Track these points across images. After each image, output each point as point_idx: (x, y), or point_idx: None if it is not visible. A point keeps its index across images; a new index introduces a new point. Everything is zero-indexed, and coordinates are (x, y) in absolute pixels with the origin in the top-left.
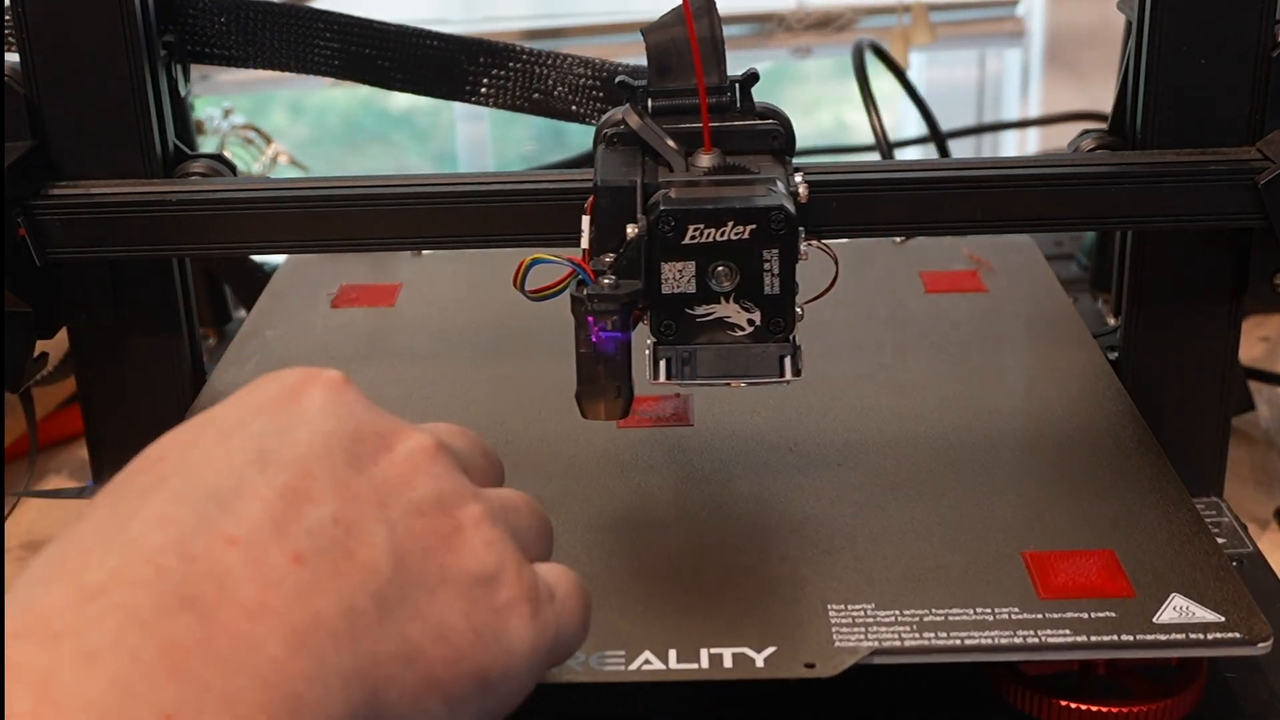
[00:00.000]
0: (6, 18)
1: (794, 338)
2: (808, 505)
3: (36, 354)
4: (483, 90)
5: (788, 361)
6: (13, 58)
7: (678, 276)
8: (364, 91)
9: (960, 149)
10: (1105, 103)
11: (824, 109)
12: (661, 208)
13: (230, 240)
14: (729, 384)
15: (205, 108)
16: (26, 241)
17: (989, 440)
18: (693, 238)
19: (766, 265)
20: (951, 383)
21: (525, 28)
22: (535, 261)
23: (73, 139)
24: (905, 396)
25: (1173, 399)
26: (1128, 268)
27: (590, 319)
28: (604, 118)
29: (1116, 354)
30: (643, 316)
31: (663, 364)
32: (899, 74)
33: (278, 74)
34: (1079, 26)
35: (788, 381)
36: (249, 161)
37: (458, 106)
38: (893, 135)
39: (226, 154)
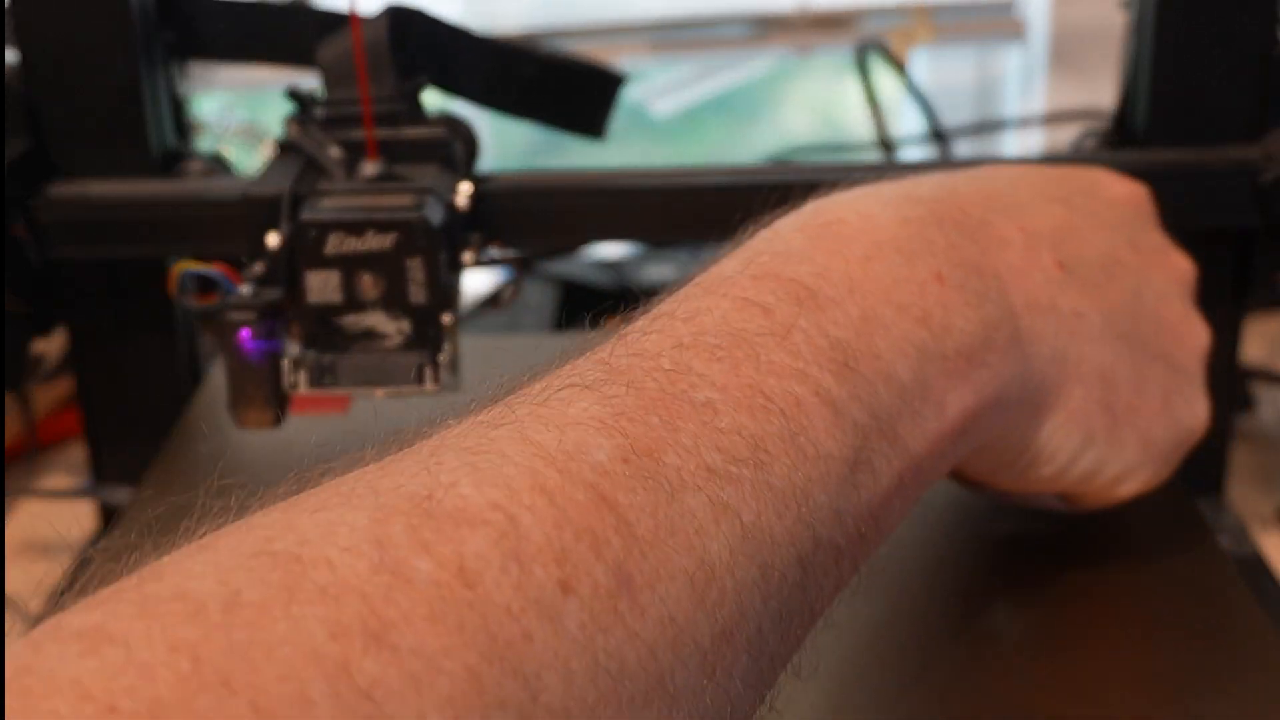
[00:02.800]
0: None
1: (447, 347)
2: None
3: (36, 354)
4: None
5: (428, 371)
6: (13, 57)
7: (323, 286)
8: None
9: (962, 148)
10: (1109, 101)
11: (824, 109)
12: (302, 217)
13: (229, 240)
14: (374, 393)
15: (204, 106)
16: (26, 241)
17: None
18: (335, 247)
19: (411, 275)
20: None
21: (526, 28)
22: (185, 272)
23: (72, 138)
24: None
25: None
26: None
27: (241, 328)
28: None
29: None
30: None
31: (304, 372)
32: (901, 73)
33: (278, 73)
34: (1082, 25)
35: (430, 392)
36: (248, 161)
37: (458, 106)
38: (894, 135)
39: (226, 153)
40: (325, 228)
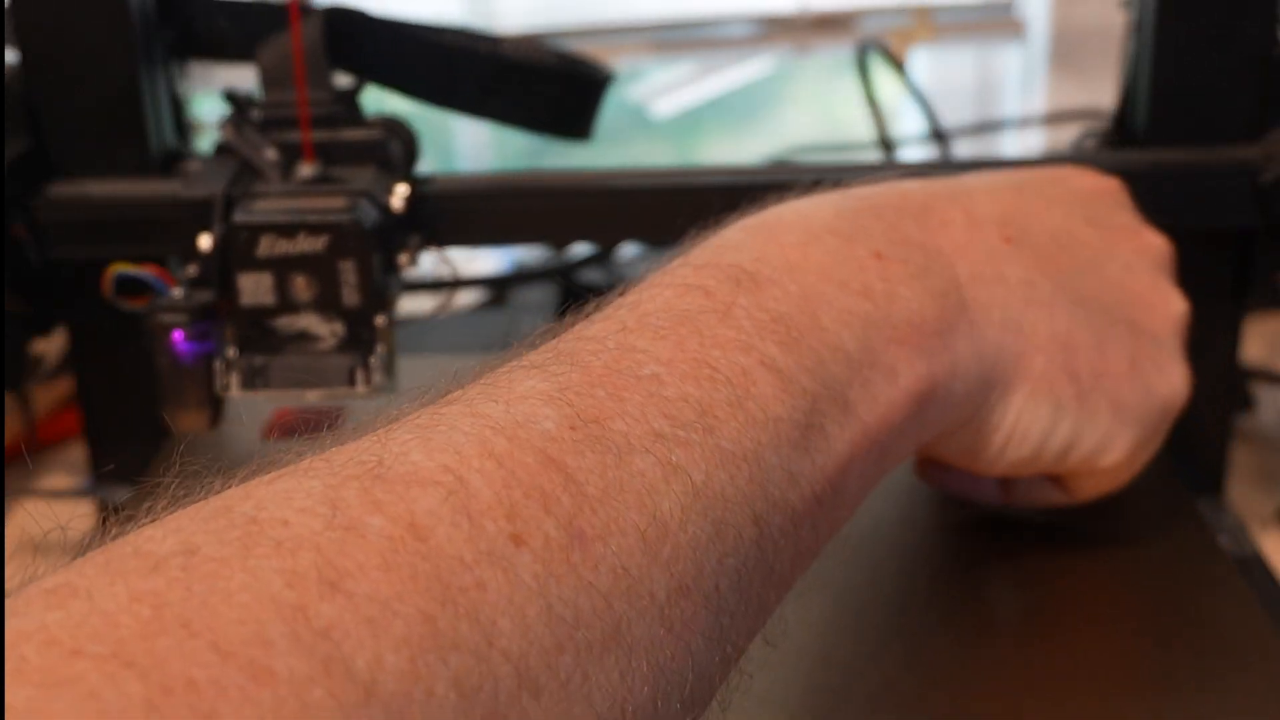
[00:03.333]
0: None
1: (379, 349)
2: None
3: (36, 354)
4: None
5: (359, 373)
6: (13, 57)
7: (255, 288)
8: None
9: (962, 148)
10: (1109, 101)
11: (824, 109)
12: (233, 219)
13: None
14: (304, 394)
15: (204, 106)
16: (26, 241)
17: None
18: (267, 249)
19: (344, 277)
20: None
21: (526, 28)
22: (118, 273)
23: (72, 138)
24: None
25: None
26: None
27: (173, 330)
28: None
29: None
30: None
31: (235, 374)
32: (901, 73)
33: None
34: (1082, 25)
35: (362, 394)
36: None
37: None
38: (894, 135)
39: None
40: (257, 230)
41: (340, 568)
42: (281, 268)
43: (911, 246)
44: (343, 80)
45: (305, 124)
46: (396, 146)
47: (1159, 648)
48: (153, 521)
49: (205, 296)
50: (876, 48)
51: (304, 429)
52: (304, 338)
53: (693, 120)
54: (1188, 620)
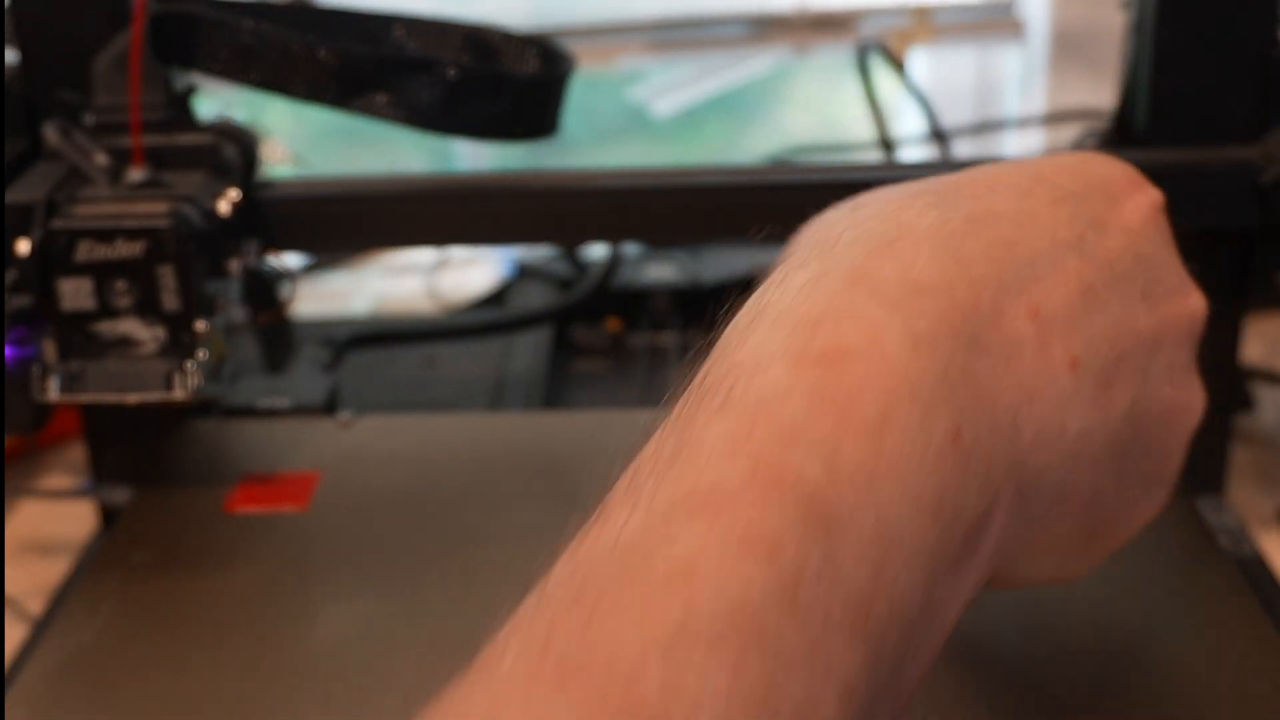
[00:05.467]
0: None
1: (200, 354)
2: None
3: None
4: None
5: (176, 378)
6: (13, 57)
7: (75, 293)
8: None
9: (962, 148)
10: (1109, 101)
11: (824, 109)
12: (51, 224)
13: None
14: (124, 398)
15: (204, 106)
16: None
17: None
18: (85, 254)
19: (162, 282)
20: None
21: (525, 28)
22: None
23: None
24: None
25: None
26: None
27: None
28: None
29: None
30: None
31: (53, 379)
32: (901, 73)
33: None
34: (1082, 25)
35: (179, 399)
36: None
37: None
38: (894, 135)
39: None
40: (75, 235)
41: None
42: (101, 273)
43: (981, 408)
44: (180, 84)
45: (136, 129)
46: (232, 151)
47: (1158, 648)
48: None
49: (23, 302)
50: (876, 48)
51: (272, 498)
52: (126, 343)
53: (693, 120)
54: (1188, 621)
